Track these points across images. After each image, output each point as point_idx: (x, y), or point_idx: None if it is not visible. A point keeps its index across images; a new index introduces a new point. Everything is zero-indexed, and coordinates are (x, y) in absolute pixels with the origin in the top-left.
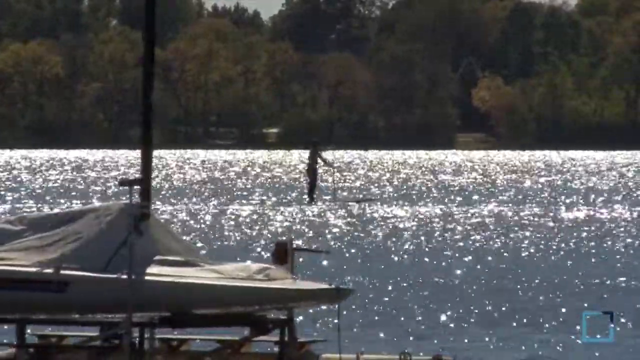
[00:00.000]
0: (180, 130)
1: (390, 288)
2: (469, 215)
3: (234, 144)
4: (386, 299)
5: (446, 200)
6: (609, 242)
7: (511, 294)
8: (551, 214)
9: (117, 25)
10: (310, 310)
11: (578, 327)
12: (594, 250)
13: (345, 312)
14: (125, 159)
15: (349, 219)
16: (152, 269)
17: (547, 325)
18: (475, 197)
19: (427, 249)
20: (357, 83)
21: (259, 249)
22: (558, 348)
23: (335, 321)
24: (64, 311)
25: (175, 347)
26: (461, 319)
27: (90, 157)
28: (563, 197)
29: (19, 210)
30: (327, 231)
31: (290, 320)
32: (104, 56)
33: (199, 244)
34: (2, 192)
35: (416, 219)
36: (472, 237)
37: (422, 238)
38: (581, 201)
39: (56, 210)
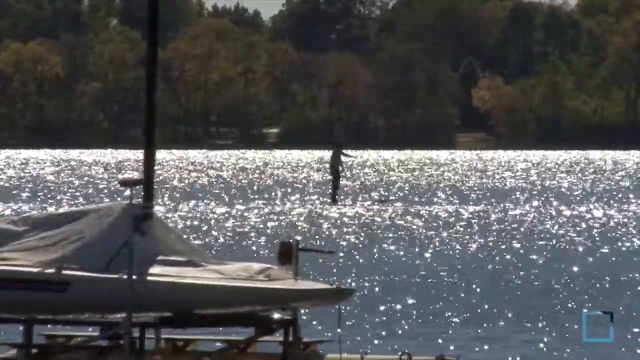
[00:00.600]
0: (180, 130)
1: (394, 288)
2: (471, 215)
3: (234, 144)
4: (389, 298)
5: (449, 201)
6: (609, 242)
7: (514, 294)
8: (551, 214)
9: (117, 25)
10: (315, 311)
11: (577, 327)
12: (594, 250)
13: (348, 312)
14: (124, 158)
15: (356, 221)
16: (154, 269)
17: (548, 325)
18: (477, 197)
19: (431, 250)
20: (357, 83)
21: (266, 250)
22: (559, 348)
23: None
24: (65, 311)
25: (181, 347)
26: (465, 320)
27: (90, 157)
28: (563, 197)
29: (21, 211)
30: (334, 232)
31: (294, 321)
32: (104, 56)
33: (204, 243)
34: (4, 192)
35: (422, 219)
36: (475, 238)
37: (425, 239)
38: (581, 201)
39: (58, 211)
